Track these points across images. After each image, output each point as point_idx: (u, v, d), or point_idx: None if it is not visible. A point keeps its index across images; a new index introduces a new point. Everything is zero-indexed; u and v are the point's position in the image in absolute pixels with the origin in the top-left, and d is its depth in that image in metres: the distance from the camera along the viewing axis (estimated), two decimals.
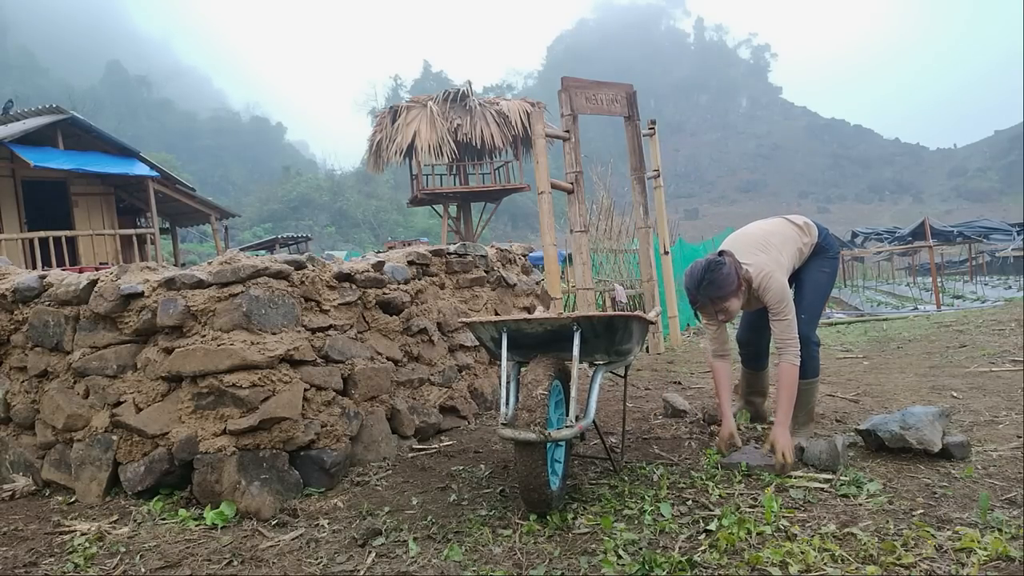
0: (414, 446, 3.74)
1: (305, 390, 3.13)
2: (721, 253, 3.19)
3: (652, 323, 3.05)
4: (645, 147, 7.84)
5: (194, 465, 2.94)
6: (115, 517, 2.90)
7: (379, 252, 4.76)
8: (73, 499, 3.19)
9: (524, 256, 5.67)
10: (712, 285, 3.08)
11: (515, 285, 5.21)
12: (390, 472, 3.32)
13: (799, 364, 3.14)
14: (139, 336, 3.24)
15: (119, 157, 13.97)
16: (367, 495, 3.00)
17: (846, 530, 2.30)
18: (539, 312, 3.92)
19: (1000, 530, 2.20)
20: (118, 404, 3.17)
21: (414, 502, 2.88)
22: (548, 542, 2.38)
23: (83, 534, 2.71)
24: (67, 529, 2.80)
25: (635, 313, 2.82)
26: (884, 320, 10.86)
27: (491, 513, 2.68)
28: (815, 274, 3.57)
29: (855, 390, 4.71)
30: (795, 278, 3.69)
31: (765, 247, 3.34)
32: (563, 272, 11.27)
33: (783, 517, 2.44)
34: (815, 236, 3.54)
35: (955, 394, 4.35)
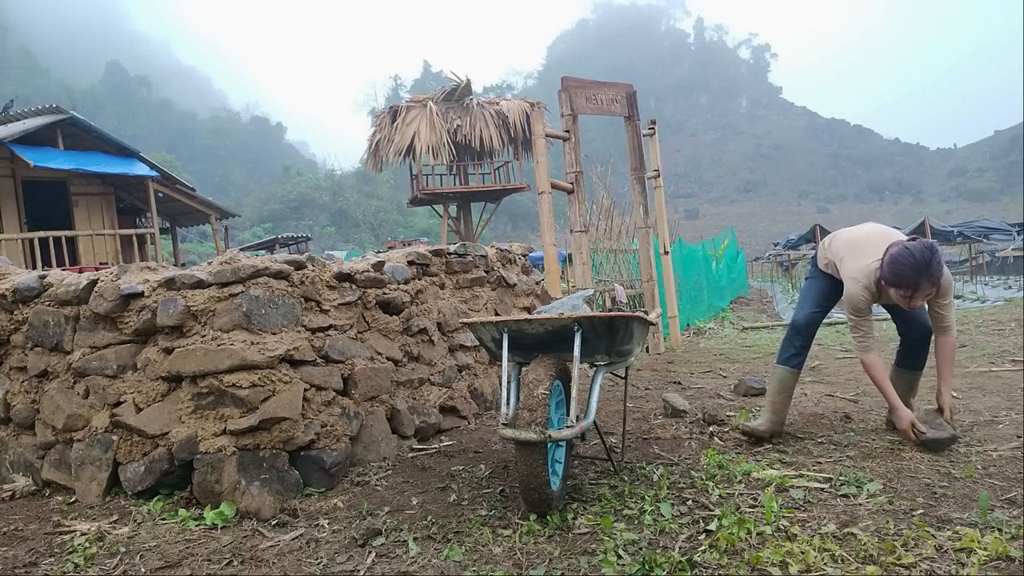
0: (414, 446, 3.74)
1: (305, 390, 3.13)
2: (913, 239, 3.14)
3: (653, 324, 3.05)
4: (645, 147, 7.83)
5: (194, 465, 2.94)
6: (115, 517, 2.90)
7: (379, 252, 4.76)
8: (73, 499, 3.19)
9: (524, 256, 5.67)
10: (940, 266, 3.04)
11: (515, 285, 5.21)
12: (390, 472, 3.31)
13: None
14: (139, 336, 3.24)
15: (119, 157, 13.97)
16: (367, 495, 3.00)
17: (846, 530, 2.30)
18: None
19: (1000, 530, 2.20)
20: (118, 404, 3.17)
21: (414, 502, 2.88)
22: (548, 542, 2.38)
23: (83, 534, 2.71)
24: (67, 529, 2.80)
25: (636, 314, 2.82)
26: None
27: (491, 513, 2.68)
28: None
29: (855, 390, 4.72)
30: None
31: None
32: (563, 272, 11.28)
33: (783, 517, 2.44)
34: None
35: (955, 394, 4.35)
